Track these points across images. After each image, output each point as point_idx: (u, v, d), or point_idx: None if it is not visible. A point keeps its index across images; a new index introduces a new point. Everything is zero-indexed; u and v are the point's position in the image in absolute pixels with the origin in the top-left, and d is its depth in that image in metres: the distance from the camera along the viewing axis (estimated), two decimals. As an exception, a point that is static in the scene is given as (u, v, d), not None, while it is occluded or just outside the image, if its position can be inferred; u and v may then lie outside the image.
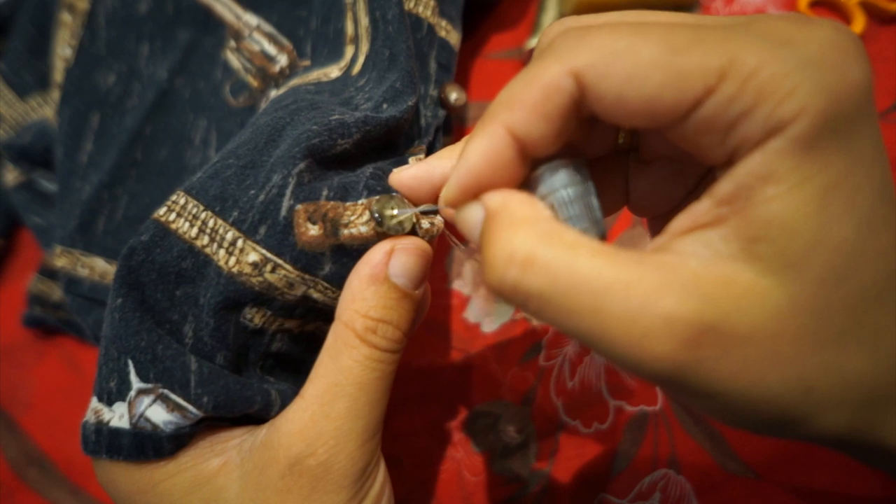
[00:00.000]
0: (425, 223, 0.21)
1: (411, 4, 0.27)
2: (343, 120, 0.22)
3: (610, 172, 0.21)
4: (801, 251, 0.13)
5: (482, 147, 0.16)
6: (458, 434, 0.31)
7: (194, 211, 0.21)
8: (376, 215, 0.20)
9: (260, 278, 0.20)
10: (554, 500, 0.29)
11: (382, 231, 0.20)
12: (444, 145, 0.28)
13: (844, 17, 0.36)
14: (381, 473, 0.21)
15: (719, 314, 0.13)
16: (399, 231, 0.20)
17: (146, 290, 0.20)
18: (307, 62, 0.31)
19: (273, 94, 0.33)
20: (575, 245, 0.14)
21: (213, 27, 0.36)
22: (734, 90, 0.13)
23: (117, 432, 0.19)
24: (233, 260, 0.20)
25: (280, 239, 0.20)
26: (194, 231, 0.21)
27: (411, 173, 0.20)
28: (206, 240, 0.21)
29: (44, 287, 0.38)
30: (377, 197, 0.20)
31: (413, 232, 0.21)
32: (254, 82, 0.34)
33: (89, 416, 0.20)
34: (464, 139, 0.20)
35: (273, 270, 0.20)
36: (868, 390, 0.14)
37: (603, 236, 0.17)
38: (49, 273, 0.38)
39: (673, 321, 0.13)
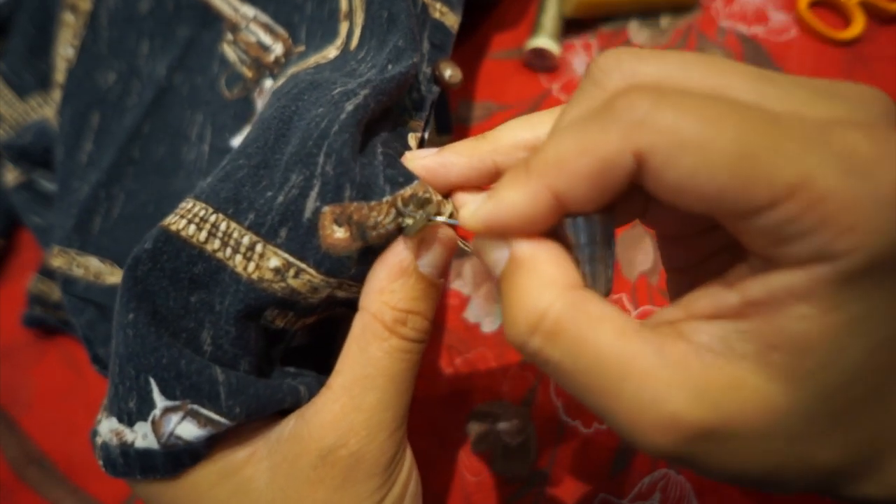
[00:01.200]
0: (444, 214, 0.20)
1: None
2: (346, 89, 0.21)
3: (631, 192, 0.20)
4: (813, 367, 0.14)
5: (521, 201, 0.16)
6: (458, 434, 0.31)
7: (202, 214, 0.20)
8: (408, 209, 0.19)
9: (283, 284, 0.19)
10: (554, 500, 0.29)
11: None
12: (440, 144, 0.27)
13: (844, 16, 0.36)
14: (408, 459, 0.21)
15: (722, 418, 0.14)
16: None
17: (157, 299, 0.19)
18: (302, 48, 0.31)
19: (268, 84, 0.33)
20: (600, 320, 0.15)
21: (212, 22, 0.36)
22: (798, 211, 0.13)
23: (148, 453, 0.19)
24: (252, 266, 0.19)
25: (303, 242, 0.19)
26: (203, 235, 0.20)
27: (424, 165, 0.20)
28: (216, 244, 0.20)
29: (44, 287, 0.38)
30: (408, 193, 0.19)
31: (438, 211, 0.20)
32: (248, 73, 0.34)
33: (109, 438, 0.19)
34: (480, 136, 0.19)
35: (296, 275, 0.19)
36: (832, 473, 0.15)
37: (608, 294, 0.17)
38: (49, 273, 0.38)
39: (678, 421, 0.14)
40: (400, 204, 0.19)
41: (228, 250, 0.19)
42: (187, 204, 0.21)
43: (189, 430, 0.18)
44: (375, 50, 0.24)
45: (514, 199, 0.16)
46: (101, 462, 0.20)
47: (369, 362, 0.19)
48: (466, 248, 0.21)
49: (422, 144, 0.24)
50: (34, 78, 0.40)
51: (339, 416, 0.19)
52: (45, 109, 0.39)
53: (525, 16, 0.39)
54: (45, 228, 0.38)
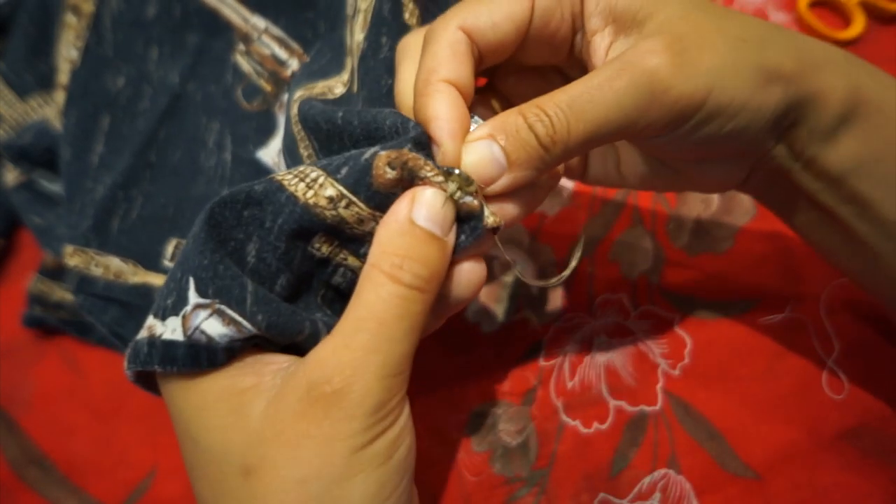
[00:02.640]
0: (490, 218, 0.22)
1: (407, 15, 0.28)
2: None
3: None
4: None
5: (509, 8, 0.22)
6: (458, 434, 0.31)
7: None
8: (452, 182, 0.21)
9: (333, 212, 0.21)
10: (554, 500, 0.29)
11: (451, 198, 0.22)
12: None
13: (844, 17, 0.36)
14: (404, 418, 0.21)
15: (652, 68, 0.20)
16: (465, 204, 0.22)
17: (215, 209, 0.21)
18: (307, 58, 0.31)
19: (287, 98, 0.34)
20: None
21: (221, 30, 0.37)
22: None
23: (171, 344, 0.20)
24: (311, 193, 0.21)
25: (357, 178, 0.21)
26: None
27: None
28: (289, 176, 0.22)
29: (44, 287, 0.38)
30: (453, 172, 0.22)
31: (480, 217, 0.22)
32: (267, 87, 0.35)
33: (140, 336, 0.21)
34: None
35: (347, 206, 0.21)
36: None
37: None
38: (49, 273, 0.38)
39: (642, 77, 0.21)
40: (446, 172, 0.21)
41: (295, 179, 0.22)
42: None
43: (214, 327, 0.20)
44: (365, 101, 0.27)
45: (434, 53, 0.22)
46: (127, 364, 0.21)
47: (362, 305, 0.20)
48: (502, 252, 0.22)
49: None
50: (34, 78, 0.40)
51: (329, 354, 0.20)
52: (46, 110, 0.40)
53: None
54: (45, 228, 0.39)
